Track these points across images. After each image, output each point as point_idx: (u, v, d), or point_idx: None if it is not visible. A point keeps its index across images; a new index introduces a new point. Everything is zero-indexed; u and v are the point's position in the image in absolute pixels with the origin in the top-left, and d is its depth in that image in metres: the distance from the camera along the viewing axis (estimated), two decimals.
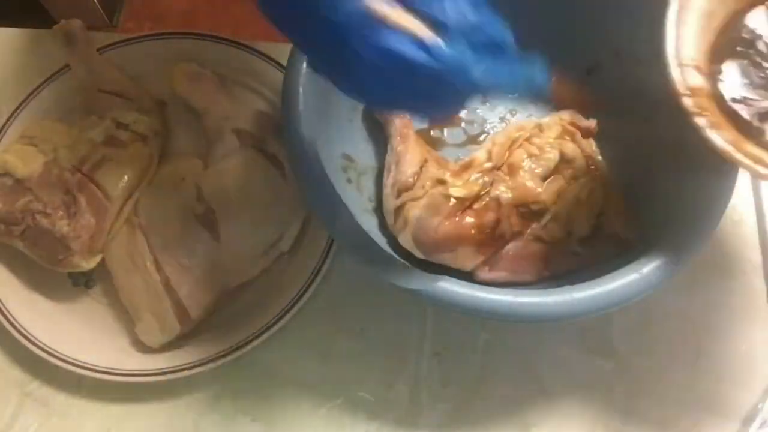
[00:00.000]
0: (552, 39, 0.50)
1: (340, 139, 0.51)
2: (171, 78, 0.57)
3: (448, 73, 0.31)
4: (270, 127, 0.55)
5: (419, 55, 0.31)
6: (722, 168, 0.42)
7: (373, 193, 0.52)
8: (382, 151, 0.53)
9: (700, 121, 0.37)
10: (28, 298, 0.51)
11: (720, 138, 0.36)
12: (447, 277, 0.40)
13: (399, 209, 0.47)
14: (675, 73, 0.38)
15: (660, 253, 0.40)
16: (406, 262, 0.46)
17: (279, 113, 0.56)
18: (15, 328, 0.49)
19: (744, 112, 0.39)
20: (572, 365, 0.51)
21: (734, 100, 0.39)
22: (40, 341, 0.49)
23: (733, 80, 0.39)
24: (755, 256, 0.54)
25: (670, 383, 0.50)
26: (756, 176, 0.37)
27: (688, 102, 0.37)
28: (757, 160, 0.36)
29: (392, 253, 0.47)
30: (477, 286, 0.40)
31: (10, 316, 0.50)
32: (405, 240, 0.47)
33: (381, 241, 0.48)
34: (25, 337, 0.49)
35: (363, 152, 0.53)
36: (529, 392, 0.50)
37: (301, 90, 0.45)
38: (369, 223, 0.50)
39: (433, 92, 0.32)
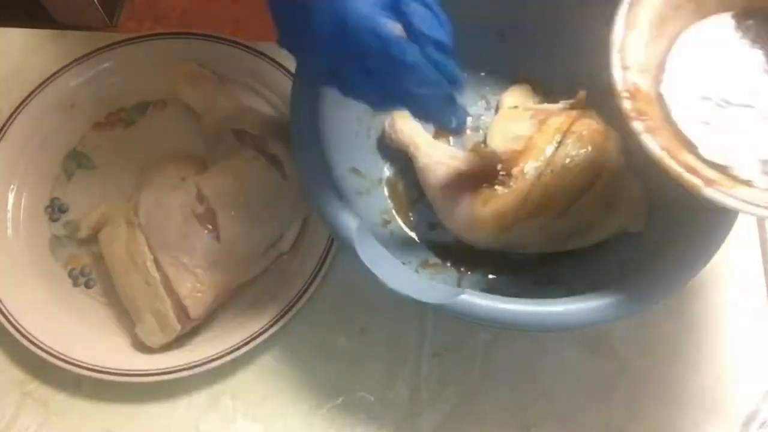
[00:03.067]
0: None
1: (348, 153, 0.51)
2: (171, 78, 0.57)
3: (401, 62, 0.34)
4: (270, 127, 0.55)
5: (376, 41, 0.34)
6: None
7: (384, 206, 0.52)
8: (389, 162, 0.54)
9: (636, 125, 0.35)
10: (28, 298, 0.51)
11: (654, 143, 0.35)
12: (468, 290, 0.39)
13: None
14: (617, 74, 0.36)
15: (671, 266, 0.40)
16: (423, 276, 0.46)
17: (279, 114, 0.57)
18: (15, 328, 0.49)
19: (687, 122, 0.37)
20: (572, 365, 0.51)
21: (679, 109, 0.37)
22: (40, 341, 0.49)
23: (680, 88, 0.38)
24: (755, 256, 0.54)
25: (670, 383, 0.50)
26: (688, 187, 0.34)
27: (626, 105, 0.35)
28: (690, 170, 0.35)
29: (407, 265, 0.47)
30: (498, 297, 0.40)
31: (10, 316, 0.50)
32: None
33: (395, 254, 0.49)
34: (25, 337, 0.49)
35: (371, 165, 0.53)
36: (529, 392, 0.50)
37: (307, 106, 0.45)
38: (382, 237, 0.50)
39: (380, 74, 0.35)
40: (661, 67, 0.39)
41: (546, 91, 0.55)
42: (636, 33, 0.37)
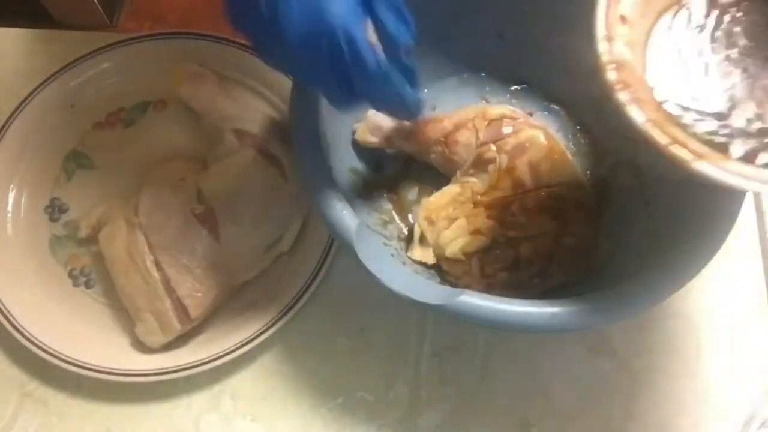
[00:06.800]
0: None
1: (348, 153, 0.51)
2: (171, 78, 0.57)
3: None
4: (270, 127, 0.55)
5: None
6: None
7: (383, 206, 0.53)
8: (389, 163, 0.54)
9: (621, 96, 0.33)
10: (28, 298, 0.51)
11: (641, 115, 0.33)
12: (467, 291, 0.39)
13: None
14: (601, 46, 0.34)
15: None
16: (422, 276, 0.47)
17: (279, 114, 0.57)
18: (15, 328, 0.49)
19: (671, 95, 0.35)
20: (572, 365, 0.51)
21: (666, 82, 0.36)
22: (40, 341, 0.49)
23: (665, 62, 0.36)
24: (755, 256, 0.54)
25: (670, 383, 0.50)
26: (676, 161, 0.32)
27: (611, 76, 0.34)
28: (679, 143, 0.33)
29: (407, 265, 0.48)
30: (497, 298, 0.39)
31: (10, 316, 0.50)
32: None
33: (395, 255, 0.49)
34: (25, 337, 0.49)
35: (370, 165, 0.53)
36: (529, 392, 0.50)
37: (307, 107, 0.45)
38: (381, 238, 0.50)
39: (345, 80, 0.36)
40: (648, 40, 0.37)
41: (545, 92, 0.55)
42: (622, 7, 0.36)
